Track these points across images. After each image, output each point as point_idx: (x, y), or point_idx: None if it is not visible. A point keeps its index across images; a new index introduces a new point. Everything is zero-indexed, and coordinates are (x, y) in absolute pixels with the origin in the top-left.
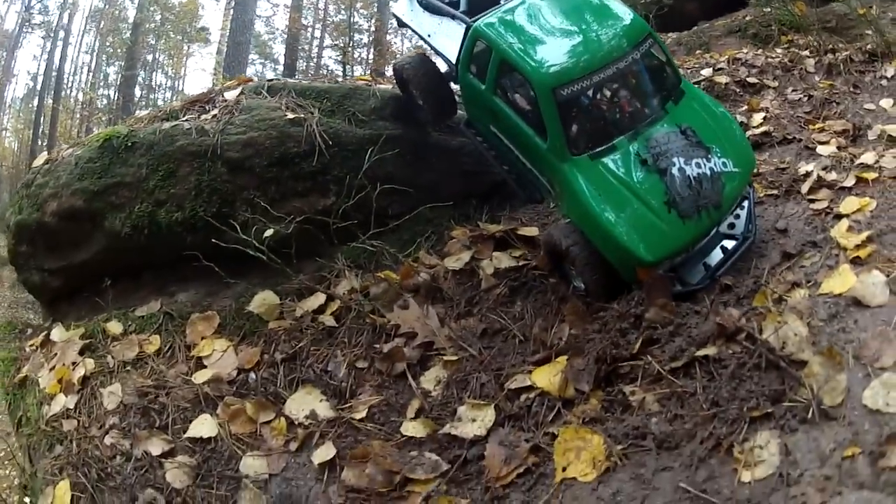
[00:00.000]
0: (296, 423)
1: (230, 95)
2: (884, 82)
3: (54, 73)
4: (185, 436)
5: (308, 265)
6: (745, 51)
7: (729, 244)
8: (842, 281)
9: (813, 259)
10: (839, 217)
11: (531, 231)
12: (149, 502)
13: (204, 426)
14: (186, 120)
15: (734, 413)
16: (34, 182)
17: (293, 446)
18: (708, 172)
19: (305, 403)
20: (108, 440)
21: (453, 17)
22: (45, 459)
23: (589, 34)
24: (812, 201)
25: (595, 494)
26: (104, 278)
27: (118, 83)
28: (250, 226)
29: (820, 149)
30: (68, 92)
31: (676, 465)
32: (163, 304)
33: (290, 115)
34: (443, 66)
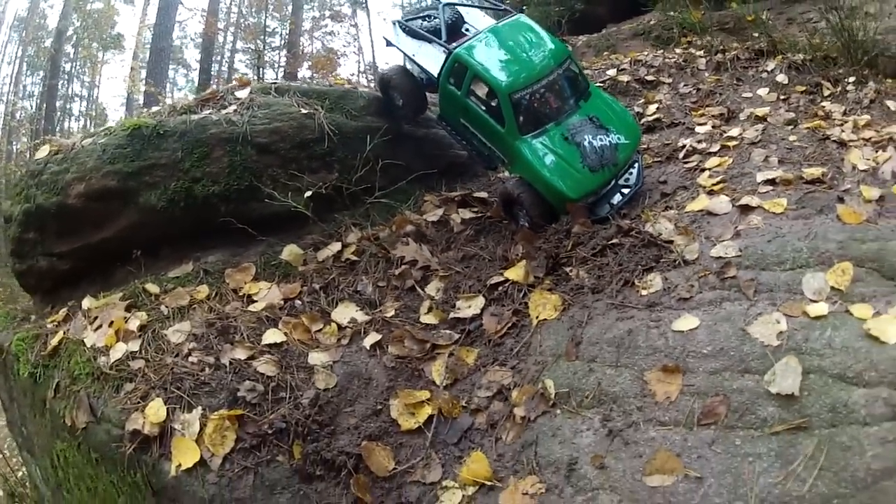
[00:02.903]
0: (342, 326)
1: (242, 94)
2: (764, 75)
3: None
4: (261, 344)
5: (315, 226)
6: (646, 52)
7: (624, 191)
8: (699, 203)
9: (682, 195)
10: (704, 170)
11: (482, 194)
12: (249, 390)
13: (274, 336)
14: (210, 113)
15: (632, 267)
16: (45, 170)
17: (344, 341)
18: (608, 143)
19: (346, 313)
20: (192, 358)
21: (430, 42)
22: (115, 398)
23: (529, 57)
24: (686, 163)
25: (560, 323)
26: (121, 254)
27: (40, 93)
28: (275, 196)
29: (698, 128)
30: None
31: (604, 297)
32: (195, 265)
33: (304, 111)
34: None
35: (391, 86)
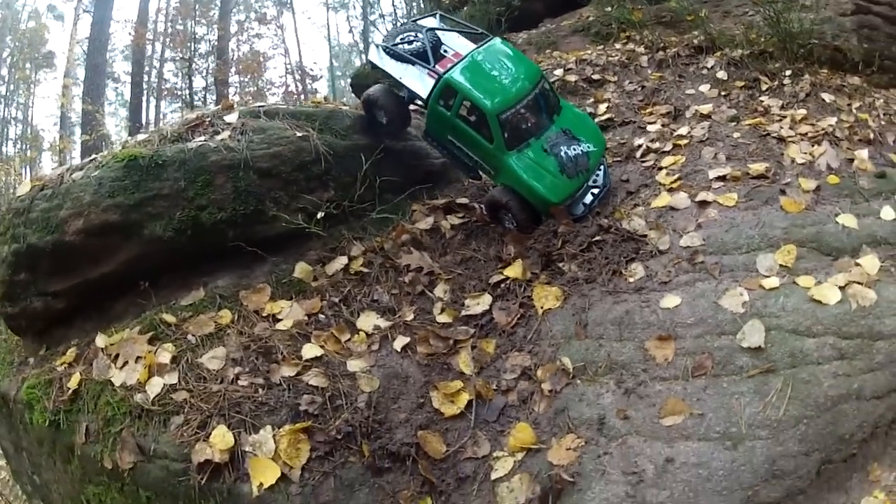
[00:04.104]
0: (369, 333)
1: (231, 119)
2: (704, 71)
3: None
4: (304, 360)
5: (315, 242)
6: (589, 50)
7: (595, 191)
8: (662, 200)
9: (645, 193)
10: (661, 169)
11: (464, 200)
12: (310, 402)
13: (312, 350)
14: (206, 140)
15: (617, 259)
16: (33, 207)
17: (375, 347)
18: (580, 152)
19: (369, 321)
20: (242, 382)
21: (415, 64)
22: (167, 432)
23: (511, 80)
24: (643, 162)
25: (563, 311)
26: (119, 287)
27: None
28: (279, 219)
29: (649, 127)
30: None
31: (597, 286)
32: (206, 290)
33: (299, 133)
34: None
35: (377, 105)
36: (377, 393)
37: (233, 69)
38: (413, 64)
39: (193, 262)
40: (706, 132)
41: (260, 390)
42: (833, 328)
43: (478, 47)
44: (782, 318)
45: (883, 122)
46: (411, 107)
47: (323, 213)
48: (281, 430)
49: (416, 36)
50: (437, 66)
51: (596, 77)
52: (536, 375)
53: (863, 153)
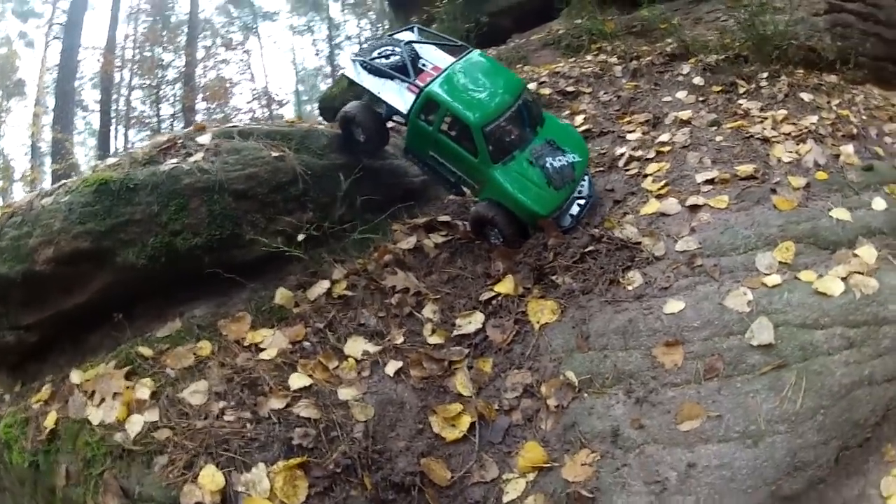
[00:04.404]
0: (358, 360)
1: (204, 140)
2: (680, 78)
3: None
4: (292, 390)
5: (294, 266)
6: (560, 63)
7: (581, 202)
8: (652, 207)
9: (633, 201)
10: (646, 176)
11: (445, 218)
12: (303, 436)
13: (300, 380)
14: (178, 163)
15: (613, 268)
16: (3, 235)
17: (365, 373)
18: (566, 163)
19: (357, 347)
20: (227, 417)
21: (393, 79)
22: (151, 473)
23: (493, 93)
24: (627, 171)
25: (561, 324)
26: (94, 318)
27: None
28: (256, 242)
29: (629, 136)
30: None
31: (594, 296)
32: (182, 321)
33: (275, 154)
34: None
35: (354, 122)
36: (373, 421)
37: (199, 95)
38: (392, 78)
39: (169, 290)
40: (688, 137)
41: (248, 425)
42: (840, 319)
43: (457, 60)
44: (789, 314)
45: (864, 117)
46: (389, 124)
47: (304, 235)
48: (275, 466)
49: (394, 50)
50: (417, 80)
51: (570, 89)
52: (540, 392)
53: (848, 148)
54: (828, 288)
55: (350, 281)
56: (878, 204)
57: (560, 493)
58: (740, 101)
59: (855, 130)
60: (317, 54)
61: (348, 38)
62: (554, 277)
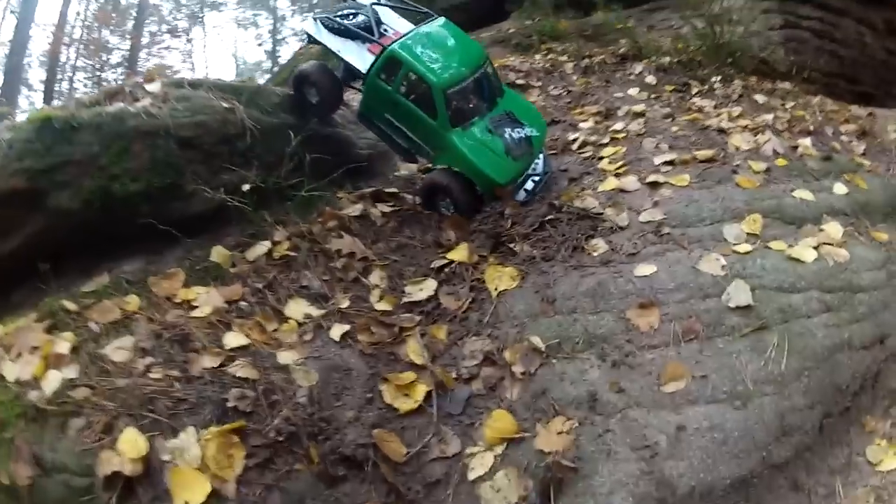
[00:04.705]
0: (300, 323)
1: (153, 88)
2: (632, 77)
3: None
4: (227, 349)
5: (233, 227)
6: (511, 58)
7: (536, 178)
8: (611, 184)
9: (589, 179)
10: (601, 158)
11: (393, 189)
12: (239, 398)
13: (235, 339)
14: (126, 106)
15: (575, 236)
16: None
17: (307, 337)
18: (524, 136)
19: (299, 309)
20: (153, 375)
21: (355, 38)
22: (67, 437)
23: (457, 57)
24: (581, 153)
25: (522, 291)
26: (22, 270)
27: None
28: (197, 195)
29: (581, 125)
30: None
31: (556, 263)
32: (111, 276)
33: (225, 105)
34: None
35: (309, 82)
36: (317, 388)
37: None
38: (354, 38)
39: (100, 244)
40: (643, 127)
41: (176, 384)
42: (815, 283)
43: (423, 24)
44: (764, 278)
45: (820, 119)
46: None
47: (249, 186)
48: (206, 431)
49: (357, 12)
50: (381, 40)
51: (520, 82)
52: (503, 359)
53: (805, 141)
54: (801, 255)
55: (293, 243)
56: (839, 189)
57: (535, 465)
58: (694, 100)
59: (812, 127)
60: (260, 45)
61: (294, 32)
62: (512, 245)
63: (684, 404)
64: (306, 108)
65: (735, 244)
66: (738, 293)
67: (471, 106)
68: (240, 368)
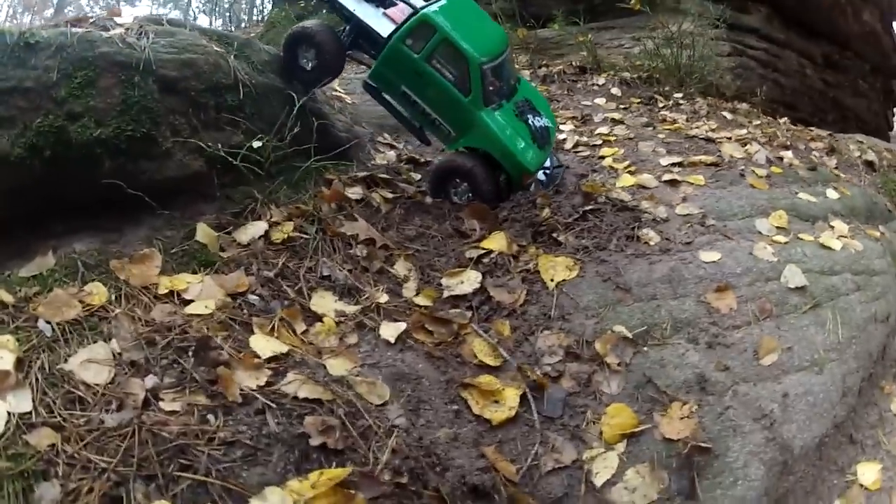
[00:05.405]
0: (337, 322)
1: (123, 20)
2: (595, 87)
3: None
4: (264, 357)
5: (209, 204)
6: None
7: (547, 171)
8: (629, 181)
9: (601, 175)
10: (602, 158)
11: (386, 176)
12: (321, 431)
13: (268, 344)
14: (97, 30)
15: (622, 227)
16: None
17: (351, 339)
18: (544, 124)
19: (327, 304)
20: (167, 404)
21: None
22: None
23: (490, 34)
24: (577, 153)
25: (584, 280)
26: None
27: None
28: (172, 156)
29: (562, 126)
30: None
31: (612, 251)
32: (57, 256)
33: (216, 47)
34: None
35: (311, 43)
36: (400, 404)
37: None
38: (369, 2)
39: (42, 211)
40: (630, 132)
41: (211, 417)
42: (847, 267)
43: None
44: (808, 263)
45: (788, 136)
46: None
47: (260, 144)
48: (294, 487)
49: None
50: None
51: None
52: (595, 350)
53: (788, 153)
54: (830, 244)
55: (296, 224)
56: (832, 194)
57: (667, 454)
58: (663, 112)
59: (788, 143)
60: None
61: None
62: (555, 235)
63: (781, 374)
64: (297, 73)
65: (770, 236)
66: (794, 276)
67: (499, 87)
68: (299, 386)
